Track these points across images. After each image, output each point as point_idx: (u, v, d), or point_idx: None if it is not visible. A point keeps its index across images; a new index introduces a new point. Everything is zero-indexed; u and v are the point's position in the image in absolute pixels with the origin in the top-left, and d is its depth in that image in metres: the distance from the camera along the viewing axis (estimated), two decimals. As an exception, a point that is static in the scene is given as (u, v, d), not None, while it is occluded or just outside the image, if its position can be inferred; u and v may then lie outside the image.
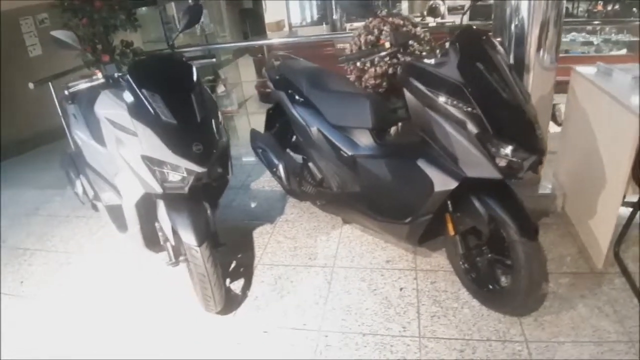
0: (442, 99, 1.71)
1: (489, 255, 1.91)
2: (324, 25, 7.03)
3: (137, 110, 1.84)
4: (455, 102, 1.68)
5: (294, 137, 2.76)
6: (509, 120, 1.67)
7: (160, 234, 2.11)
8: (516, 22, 2.32)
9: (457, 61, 1.71)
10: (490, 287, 1.94)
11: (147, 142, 1.81)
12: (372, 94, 2.38)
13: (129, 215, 2.06)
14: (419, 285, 2.16)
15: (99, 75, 2.09)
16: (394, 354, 1.82)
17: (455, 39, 1.78)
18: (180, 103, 1.91)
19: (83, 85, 2.09)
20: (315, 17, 7.72)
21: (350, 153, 2.22)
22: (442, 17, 6.14)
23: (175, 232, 1.92)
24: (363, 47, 2.88)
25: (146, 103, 1.85)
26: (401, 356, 1.81)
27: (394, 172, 2.02)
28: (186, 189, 1.86)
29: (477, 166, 1.68)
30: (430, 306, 2.04)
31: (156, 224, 2.09)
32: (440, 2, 6.25)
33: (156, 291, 2.37)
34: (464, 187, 1.77)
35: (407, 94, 1.87)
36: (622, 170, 1.87)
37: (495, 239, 1.86)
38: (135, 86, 1.87)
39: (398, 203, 2.02)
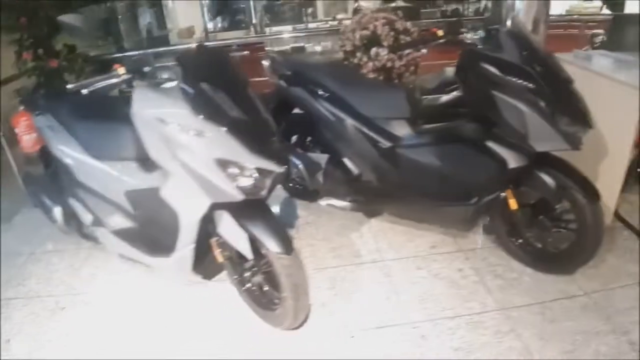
0: (515, 80, 1.83)
1: (551, 223, 2.07)
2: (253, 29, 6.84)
3: (203, 107, 1.61)
4: (525, 83, 1.82)
5: (307, 135, 2.68)
6: (564, 97, 1.86)
7: (219, 250, 1.87)
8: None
9: (516, 48, 1.86)
10: (546, 253, 2.12)
11: (219, 142, 1.60)
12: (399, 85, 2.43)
13: (187, 233, 1.79)
14: (474, 264, 2.26)
15: (120, 70, 1.78)
16: (488, 329, 1.88)
17: (510, 30, 1.94)
18: (242, 98, 1.73)
19: (100, 83, 1.78)
20: (224, 22, 7.50)
21: (390, 144, 2.23)
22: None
23: (253, 243, 1.72)
24: (358, 43, 2.94)
25: (212, 99, 1.64)
26: (496, 329, 1.88)
27: (452, 157, 2.09)
28: (265, 193, 1.69)
29: (548, 140, 1.83)
30: (493, 280, 2.15)
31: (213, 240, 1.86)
32: (364, 4, 6.57)
33: (215, 321, 2.09)
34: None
35: (469, 80, 1.96)
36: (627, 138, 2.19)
37: (546, 209, 2.05)
38: (196, 80, 1.64)
39: (460, 186, 2.08)
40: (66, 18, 1.68)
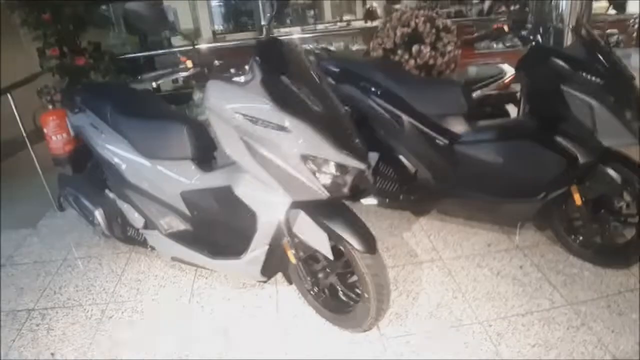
0: (585, 76, 1.83)
1: (612, 217, 2.08)
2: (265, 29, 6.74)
3: (287, 102, 1.55)
4: (595, 79, 1.82)
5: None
6: (630, 93, 1.88)
7: (292, 251, 1.80)
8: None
9: (583, 45, 1.87)
10: (606, 247, 2.13)
11: (304, 138, 1.53)
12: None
13: (264, 233, 1.72)
14: (533, 261, 2.25)
15: (188, 63, 1.71)
16: (561, 325, 1.88)
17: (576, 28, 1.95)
18: (321, 92, 1.68)
19: (168, 77, 1.71)
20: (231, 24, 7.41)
21: (448, 141, 2.21)
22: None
23: (334, 243, 1.66)
24: (399, 40, 2.92)
25: (296, 93, 1.58)
26: (568, 324, 1.87)
27: (516, 153, 2.09)
28: (346, 190, 1.63)
29: (616, 135, 1.84)
30: (556, 276, 2.14)
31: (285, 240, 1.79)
32: (376, 5, 6.57)
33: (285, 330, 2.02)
34: None
35: (536, 75, 1.96)
36: None
37: (607, 204, 2.06)
38: (276, 74, 1.58)
39: (525, 181, 2.07)
40: (133, 5, 1.57)
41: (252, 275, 1.91)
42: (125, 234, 2.33)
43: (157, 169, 2.04)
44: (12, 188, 3.52)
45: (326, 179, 1.57)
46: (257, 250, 1.78)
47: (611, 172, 1.95)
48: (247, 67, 1.66)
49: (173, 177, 2.02)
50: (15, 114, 2.82)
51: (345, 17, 7.81)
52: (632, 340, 1.79)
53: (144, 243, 2.29)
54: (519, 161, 2.09)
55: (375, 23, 6.40)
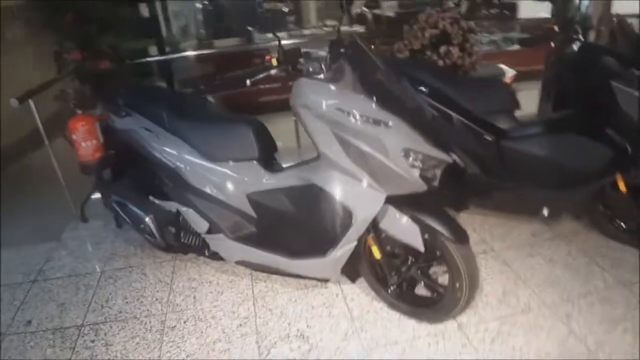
0: (634, 71, 1.98)
1: None
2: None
3: (383, 98, 1.59)
4: None
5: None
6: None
7: (376, 246, 1.82)
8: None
9: (631, 43, 2.03)
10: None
11: (403, 132, 1.58)
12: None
13: (357, 230, 1.73)
14: (578, 247, 2.39)
15: (274, 61, 1.72)
16: (620, 304, 2.00)
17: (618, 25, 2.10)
18: (405, 88, 1.73)
19: (254, 75, 1.70)
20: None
21: (496, 137, 2.31)
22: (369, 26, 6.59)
23: (427, 235, 1.70)
24: (426, 42, 3.02)
25: (390, 89, 1.63)
26: (627, 303, 2.00)
27: (566, 145, 2.21)
28: (437, 183, 1.68)
29: None
30: (603, 260, 2.28)
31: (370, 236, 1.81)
32: (367, 10, 6.69)
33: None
34: None
35: (587, 72, 2.09)
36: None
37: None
38: (368, 72, 1.62)
39: (576, 173, 2.20)
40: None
41: (333, 273, 1.91)
42: (179, 241, 2.25)
43: (222, 171, 2.00)
44: (28, 198, 3.34)
45: (422, 172, 1.61)
46: (346, 247, 1.78)
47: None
48: (322, 65, 1.69)
49: (239, 179, 2.00)
50: (38, 121, 2.66)
51: (329, 22, 7.92)
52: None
53: (200, 249, 2.22)
54: (569, 153, 2.21)
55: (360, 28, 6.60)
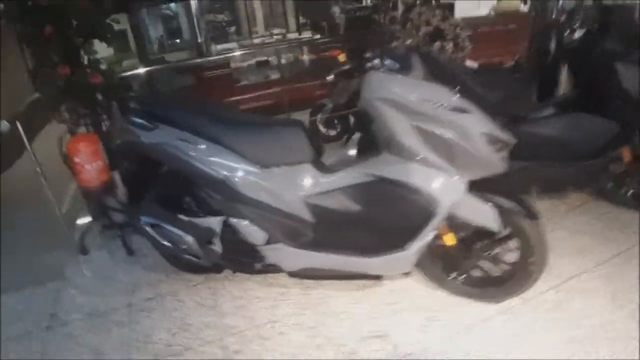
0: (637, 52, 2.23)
1: None
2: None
3: (459, 87, 1.64)
4: None
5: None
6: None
7: (450, 233, 1.85)
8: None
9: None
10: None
11: (482, 118, 1.64)
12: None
13: (440, 219, 1.74)
14: (591, 215, 2.60)
15: (341, 57, 1.71)
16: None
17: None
18: (464, 74, 1.81)
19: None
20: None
21: (513, 121, 2.47)
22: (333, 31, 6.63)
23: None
24: (421, 39, 3.15)
25: (462, 79, 1.68)
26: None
27: (576, 123, 2.41)
28: (506, 165, 1.76)
29: None
30: (614, 223, 2.51)
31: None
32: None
33: None
34: None
35: (593, 56, 2.31)
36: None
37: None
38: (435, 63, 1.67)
39: (588, 147, 2.39)
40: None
41: (411, 266, 1.90)
42: (226, 258, 2.10)
43: (276, 176, 1.91)
44: (18, 232, 2.92)
45: (499, 154, 1.68)
46: (427, 237, 1.79)
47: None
48: (376, 60, 1.72)
49: (294, 183, 1.92)
50: (27, 144, 2.34)
51: (275, 31, 7.89)
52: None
53: (250, 264, 2.09)
54: (579, 130, 2.41)
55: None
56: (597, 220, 2.56)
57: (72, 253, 2.66)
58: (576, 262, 2.22)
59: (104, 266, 2.56)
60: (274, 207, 1.92)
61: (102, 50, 2.92)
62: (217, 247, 2.11)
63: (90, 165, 2.35)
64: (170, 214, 2.11)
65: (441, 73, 1.68)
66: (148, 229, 2.09)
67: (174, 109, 2.02)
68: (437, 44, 3.10)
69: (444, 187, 1.70)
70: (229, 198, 1.93)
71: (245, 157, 1.91)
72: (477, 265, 2.00)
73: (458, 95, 1.62)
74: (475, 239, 1.93)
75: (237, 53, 5.62)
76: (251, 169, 1.91)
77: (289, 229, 1.95)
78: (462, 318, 1.96)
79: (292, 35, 7.43)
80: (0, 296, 2.36)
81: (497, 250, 1.94)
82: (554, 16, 2.91)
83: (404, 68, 1.69)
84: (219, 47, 6.49)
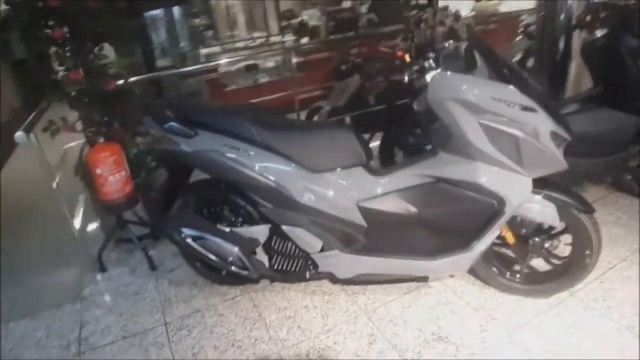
0: None
1: None
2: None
3: (523, 87, 1.64)
4: None
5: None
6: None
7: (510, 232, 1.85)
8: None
9: None
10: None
11: (548, 116, 1.64)
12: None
13: (505, 218, 1.74)
14: (615, 208, 2.67)
15: (407, 57, 1.69)
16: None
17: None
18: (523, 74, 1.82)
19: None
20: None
21: None
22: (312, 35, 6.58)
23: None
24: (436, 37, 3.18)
25: (523, 78, 1.69)
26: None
27: (602, 119, 2.48)
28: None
29: None
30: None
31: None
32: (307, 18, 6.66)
33: None
34: None
35: (618, 53, 2.39)
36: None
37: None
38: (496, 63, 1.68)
39: (614, 141, 2.47)
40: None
41: (469, 266, 1.88)
42: (274, 268, 2.01)
43: (330, 181, 1.85)
44: (21, 250, 2.68)
45: (561, 151, 1.69)
46: (491, 236, 1.78)
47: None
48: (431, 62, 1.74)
49: (348, 188, 1.86)
50: (46, 158, 2.15)
51: (256, 34, 7.76)
52: None
53: (301, 273, 2.00)
54: (604, 125, 2.49)
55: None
56: (620, 212, 2.64)
57: (88, 271, 2.47)
58: (613, 252, 2.28)
59: (127, 283, 2.39)
60: (329, 213, 1.86)
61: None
62: (262, 257, 2.03)
63: (114, 176, 2.19)
64: (212, 225, 2.00)
65: (502, 71, 1.68)
66: (190, 241, 1.97)
67: (217, 115, 1.91)
68: (451, 42, 3.14)
69: (512, 186, 1.69)
70: (281, 205, 1.85)
71: (297, 162, 1.84)
72: (531, 263, 2.01)
73: (526, 94, 1.62)
74: (532, 235, 1.94)
75: (240, 58, 5.42)
76: (305, 174, 1.84)
77: (344, 235, 1.89)
78: (517, 315, 1.96)
79: (275, 39, 7.35)
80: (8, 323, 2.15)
81: (552, 245, 1.96)
82: (563, 16, 3.01)
83: (469, 67, 1.68)
84: (204, 51, 6.32)
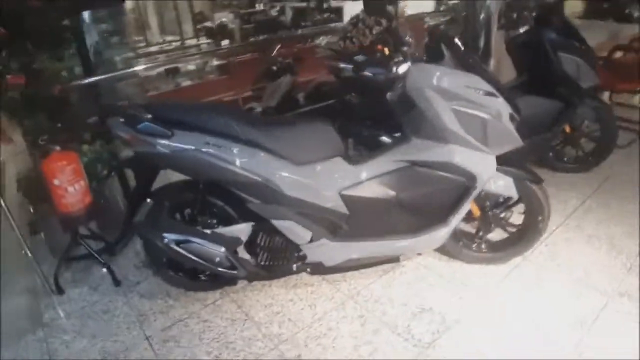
0: (574, 42, 2.75)
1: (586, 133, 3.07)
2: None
3: (483, 74, 1.86)
4: (578, 44, 2.76)
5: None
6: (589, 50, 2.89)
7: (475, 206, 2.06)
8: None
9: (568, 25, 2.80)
10: (580, 157, 3.14)
11: (504, 100, 1.88)
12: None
13: (476, 193, 1.93)
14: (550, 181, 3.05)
15: (386, 50, 1.83)
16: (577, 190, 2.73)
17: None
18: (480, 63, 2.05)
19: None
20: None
21: None
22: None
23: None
24: (374, 38, 3.40)
25: (482, 67, 1.91)
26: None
27: (531, 104, 2.82)
28: None
29: (591, 80, 2.76)
30: (563, 180, 3.02)
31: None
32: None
33: None
34: None
35: (539, 46, 2.76)
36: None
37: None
38: (463, 54, 1.88)
39: (543, 123, 2.83)
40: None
41: (445, 239, 2.04)
42: (260, 265, 2.01)
43: (314, 172, 1.90)
44: None
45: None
46: (464, 210, 1.96)
47: (591, 103, 2.90)
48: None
49: (330, 178, 1.94)
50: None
51: (168, 38, 7.48)
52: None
53: (287, 267, 2.03)
54: (532, 110, 2.83)
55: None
56: (547, 184, 3.02)
57: (40, 296, 2.23)
58: (550, 220, 2.60)
59: (92, 303, 2.21)
60: (314, 203, 1.90)
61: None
62: (245, 255, 2.01)
63: (73, 187, 2.02)
64: (194, 228, 1.94)
65: (467, 62, 1.87)
66: (174, 246, 1.88)
67: (193, 113, 1.86)
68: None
69: (482, 164, 1.89)
70: (269, 200, 1.86)
71: (282, 156, 1.86)
72: (491, 232, 2.25)
73: (487, 82, 1.83)
74: (491, 208, 2.18)
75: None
76: (290, 167, 1.87)
77: (330, 224, 1.96)
78: (484, 281, 2.18)
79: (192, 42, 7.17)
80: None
81: (507, 215, 2.21)
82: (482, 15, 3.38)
83: (436, 59, 1.85)
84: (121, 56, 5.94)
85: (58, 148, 1.99)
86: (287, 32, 6.88)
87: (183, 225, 1.97)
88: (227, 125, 1.83)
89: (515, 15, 2.96)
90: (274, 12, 8.40)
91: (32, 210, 2.37)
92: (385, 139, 2.27)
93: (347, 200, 1.95)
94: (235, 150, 1.81)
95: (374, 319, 2.00)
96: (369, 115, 2.60)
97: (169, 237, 1.89)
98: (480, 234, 2.24)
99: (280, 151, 1.86)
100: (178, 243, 1.90)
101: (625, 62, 3.66)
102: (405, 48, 1.88)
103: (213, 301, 2.17)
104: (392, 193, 1.95)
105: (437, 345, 1.85)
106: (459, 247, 2.26)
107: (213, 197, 2.01)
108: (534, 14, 2.89)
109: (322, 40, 4.86)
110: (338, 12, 7.82)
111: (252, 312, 2.09)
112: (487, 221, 2.19)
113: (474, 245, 2.26)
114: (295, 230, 1.91)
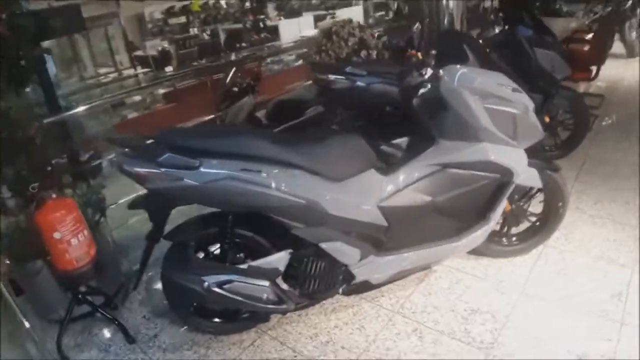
0: (546, 38, 2.92)
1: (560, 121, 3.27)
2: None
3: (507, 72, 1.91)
4: (551, 39, 2.95)
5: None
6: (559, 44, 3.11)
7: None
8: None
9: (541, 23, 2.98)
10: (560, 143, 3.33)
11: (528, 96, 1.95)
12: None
13: (512, 188, 1.94)
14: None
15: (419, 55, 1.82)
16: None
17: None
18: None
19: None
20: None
21: None
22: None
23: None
24: (350, 50, 3.42)
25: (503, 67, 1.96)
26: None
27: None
28: None
29: (564, 71, 2.99)
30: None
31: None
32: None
33: None
34: None
35: (514, 43, 2.90)
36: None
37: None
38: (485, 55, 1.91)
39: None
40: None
41: (486, 236, 2.03)
42: (311, 293, 1.86)
43: (352, 188, 1.81)
44: None
45: None
46: (502, 206, 1.97)
47: (565, 93, 3.09)
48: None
49: (367, 191, 1.86)
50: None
51: (102, 70, 6.99)
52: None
53: (330, 290, 1.90)
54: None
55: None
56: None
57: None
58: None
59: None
60: (357, 219, 1.81)
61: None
62: (283, 285, 1.86)
63: (77, 238, 1.73)
64: (231, 266, 1.75)
65: (490, 62, 1.91)
66: (216, 289, 1.67)
67: (221, 138, 1.68)
68: (364, 52, 3.37)
69: (515, 158, 1.92)
70: (315, 222, 1.73)
71: (319, 174, 1.74)
72: (520, 224, 2.28)
73: (510, 80, 1.89)
74: (518, 200, 2.22)
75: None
76: (329, 185, 1.75)
77: (372, 239, 1.87)
78: (517, 274, 2.20)
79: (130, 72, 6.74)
80: None
81: (528, 205, 2.27)
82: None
83: (459, 60, 1.87)
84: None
85: (54, 195, 1.70)
86: (226, 56, 6.79)
87: (220, 265, 1.77)
88: (260, 148, 1.68)
89: (492, 17, 3.10)
90: (206, 36, 8.23)
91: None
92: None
93: (385, 211, 1.87)
94: (274, 174, 1.66)
95: (428, 330, 1.93)
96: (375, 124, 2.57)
97: (210, 280, 1.68)
98: (506, 228, 2.27)
99: (317, 169, 1.75)
100: (220, 285, 1.69)
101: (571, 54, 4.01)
102: (433, 52, 1.87)
103: (251, 342, 1.97)
104: (427, 198, 1.91)
105: (501, 344, 1.83)
106: (485, 243, 2.26)
107: (241, 229, 1.83)
108: (500, 14, 3.06)
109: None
110: (274, 31, 7.78)
111: (299, 347, 1.92)
112: (514, 214, 2.22)
113: (502, 239, 2.28)
114: (344, 251, 1.79)
